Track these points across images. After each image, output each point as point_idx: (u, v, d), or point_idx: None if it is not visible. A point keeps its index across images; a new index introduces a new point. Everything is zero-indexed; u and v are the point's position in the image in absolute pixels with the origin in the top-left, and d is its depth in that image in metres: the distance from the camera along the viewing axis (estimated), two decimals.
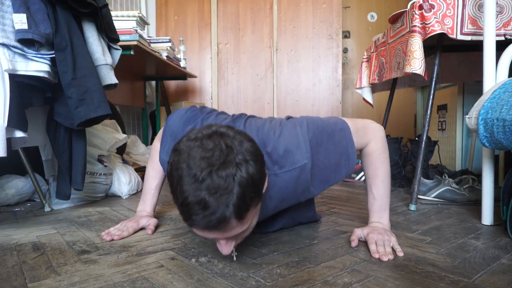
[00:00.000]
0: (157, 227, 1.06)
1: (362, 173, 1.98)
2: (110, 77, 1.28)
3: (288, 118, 0.93)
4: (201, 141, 0.64)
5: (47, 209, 1.32)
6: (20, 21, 0.98)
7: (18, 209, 1.36)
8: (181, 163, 0.63)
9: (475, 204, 1.30)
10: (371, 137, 0.93)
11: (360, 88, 2.06)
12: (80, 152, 1.26)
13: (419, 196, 1.39)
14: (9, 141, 1.04)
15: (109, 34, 1.30)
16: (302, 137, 0.82)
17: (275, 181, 0.82)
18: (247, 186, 0.62)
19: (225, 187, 0.60)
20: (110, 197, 1.60)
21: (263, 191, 0.72)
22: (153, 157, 1.11)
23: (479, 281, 0.68)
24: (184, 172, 0.62)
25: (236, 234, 0.68)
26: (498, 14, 1.22)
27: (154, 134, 3.17)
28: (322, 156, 0.85)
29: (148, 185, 1.10)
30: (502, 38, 1.22)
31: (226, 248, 0.72)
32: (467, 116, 1.01)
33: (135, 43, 1.84)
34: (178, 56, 2.62)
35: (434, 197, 1.39)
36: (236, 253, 0.81)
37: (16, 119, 1.00)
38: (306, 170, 0.81)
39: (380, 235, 0.87)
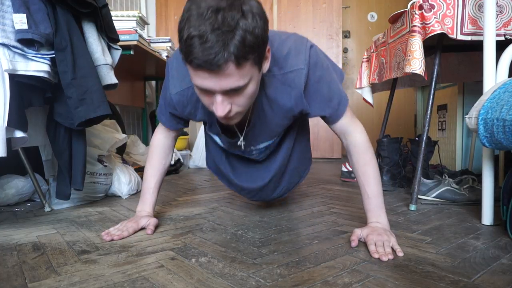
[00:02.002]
0: (157, 227, 1.07)
1: None
2: (110, 77, 1.28)
3: None
4: None
5: (47, 209, 1.32)
6: (20, 21, 0.98)
7: (18, 209, 1.36)
8: (192, 6, 0.65)
9: (475, 204, 1.30)
10: (358, 128, 0.95)
11: (360, 88, 2.06)
12: (80, 152, 1.26)
13: (419, 196, 1.39)
14: (9, 141, 1.04)
15: (109, 34, 1.30)
16: (304, 48, 0.86)
17: (272, 82, 0.87)
18: (250, 33, 0.64)
19: (228, 25, 0.62)
20: (110, 197, 1.60)
21: (264, 64, 0.75)
22: (151, 155, 1.11)
23: (479, 281, 0.68)
24: (193, 12, 0.64)
25: (233, 89, 0.69)
26: (498, 14, 1.22)
27: None
28: (315, 78, 0.88)
29: (147, 184, 1.10)
30: (502, 38, 1.22)
31: (221, 107, 0.72)
32: (467, 116, 1.01)
33: (135, 43, 1.85)
34: None
35: (434, 197, 1.39)
36: (244, 142, 0.95)
37: (16, 119, 1.00)
38: (302, 75, 0.85)
39: (379, 236, 0.86)
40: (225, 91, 0.70)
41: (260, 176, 1.14)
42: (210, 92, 0.72)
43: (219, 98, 0.71)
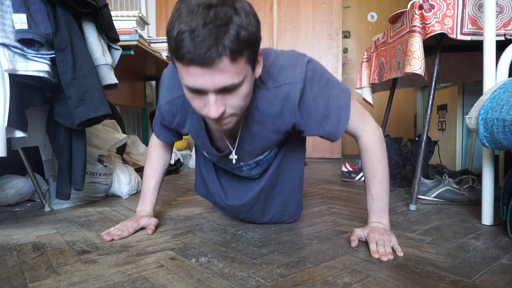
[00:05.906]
0: (157, 227, 1.06)
1: (361, 174, 1.98)
2: (110, 77, 1.28)
3: None
4: None
5: (47, 209, 1.32)
6: (20, 21, 0.98)
7: (18, 209, 1.35)
8: (181, 5, 0.62)
9: (475, 204, 1.30)
10: (368, 128, 0.91)
11: (360, 88, 2.06)
12: (80, 152, 1.26)
13: (419, 196, 1.39)
14: (9, 141, 1.04)
15: (109, 34, 1.30)
16: (301, 63, 0.81)
17: (265, 94, 0.81)
18: (244, 29, 0.61)
19: (221, 19, 0.59)
20: (110, 197, 1.60)
21: (257, 68, 0.72)
22: (150, 155, 1.11)
23: (479, 281, 0.68)
24: (182, 10, 0.61)
25: (227, 87, 0.65)
26: (498, 14, 1.22)
27: None
28: (312, 94, 0.82)
29: (147, 184, 1.10)
30: (502, 38, 1.22)
31: (215, 107, 0.66)
32: (467, 116, 1.01)
33: (135, 43, 1.85)
34: None
35: (434, 197, 1.39)
36: (236, 157, 0.90)
37: (16, 119, 1.00)
38: (296, 89, 0.80)
39: (380, 235, 0.86)
40: (219, 89, 0.65)
41: (249, 189, 1.04)
42: (202, 93, 0.67)
43: (212, 97, 0.66)
